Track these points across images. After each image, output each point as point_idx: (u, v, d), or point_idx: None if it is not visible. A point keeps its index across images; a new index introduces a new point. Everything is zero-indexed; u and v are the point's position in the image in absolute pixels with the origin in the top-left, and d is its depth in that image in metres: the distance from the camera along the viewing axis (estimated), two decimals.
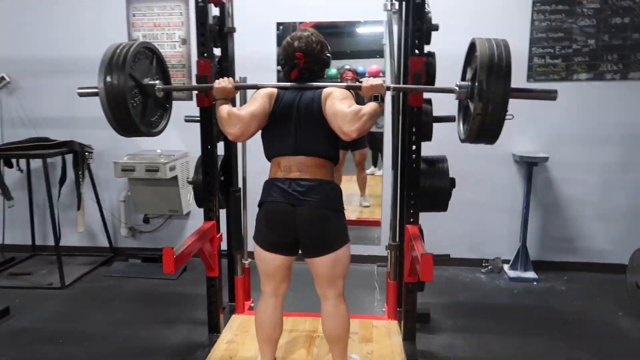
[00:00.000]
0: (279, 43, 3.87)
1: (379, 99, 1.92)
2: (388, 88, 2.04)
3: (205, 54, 2.45)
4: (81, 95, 2.23)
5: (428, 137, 2.60)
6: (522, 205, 3.72)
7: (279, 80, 3.91)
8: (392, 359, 2.35)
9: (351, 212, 4.35)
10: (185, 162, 3.96)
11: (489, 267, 3.79)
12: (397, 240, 2.75)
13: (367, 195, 4.54)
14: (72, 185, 4.01)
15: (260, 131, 2.05)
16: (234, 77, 2.78)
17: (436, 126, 2.60)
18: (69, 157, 3.89)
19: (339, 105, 1.89)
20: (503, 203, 3.82)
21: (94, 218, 4.17)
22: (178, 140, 3.99)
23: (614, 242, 3.76)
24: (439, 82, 2.56)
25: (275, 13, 3.76)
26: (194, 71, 3.86)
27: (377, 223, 4.04)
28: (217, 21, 2.66)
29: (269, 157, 2.09)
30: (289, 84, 2.07)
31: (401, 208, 2.76)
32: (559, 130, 3.66)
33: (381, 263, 3.75)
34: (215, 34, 2.64)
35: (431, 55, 2.55)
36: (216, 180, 2.61)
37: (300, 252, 2.08)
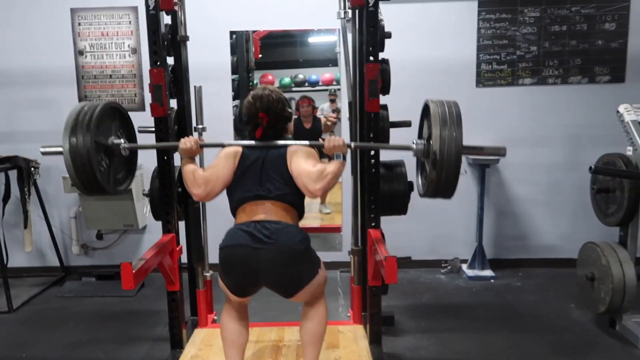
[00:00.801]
0: (232, 52, 3.85)
1: (341, 157, 2.02)
2: (349, 146, 2.12)
3: (158, 63, 2.39)
4: (45, 154, 2.22)
5: (385, 142, 2.64)
6: (476, 207, 3.84)
7: (234, 89, 3.90)
8: None
9: (312, 220, 4.34)
10: (140, 174, 3.83)
11: (448, 268, 3.88)
12: (360, 245, 2.77)
13: (327, 202, 4.56)
14: (17, 203, 3.82)
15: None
16: (188, 86, 2.73)
17: (392, 131, 2.65)
18: (13, 173, 3.69)
19: (304, 164, 1.97)
20: (459, 205, 3.91)
21: (42, 236, 3.97)
22: None
23: (562, 237, 3.94)
24: (393, 88, 2.61)
25: (229, 22, 3.74)
26: (146, 81, 3.79)
27: (337, 229, 4.07)
28: (169, 29, 2.60)
29: (234, 208, 2.07)
30: (254, 142, 2.10)
31: (362, 213, 2.79)
32: (509, 133, 3.81)
33: (344, 269, 3.76)
34: (167, 43, 2.58)
35: (385, 62, 2.60)
36: (174, 191, 2.54)
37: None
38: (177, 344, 2.59)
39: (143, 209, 3.85)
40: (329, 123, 5.19)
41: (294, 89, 6.05)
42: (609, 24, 3.67)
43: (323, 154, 2.15)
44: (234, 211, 2.08)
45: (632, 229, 2.81)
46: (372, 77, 2.38)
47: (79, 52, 3.77)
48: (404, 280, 3.70)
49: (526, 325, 2.99)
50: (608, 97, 3.58)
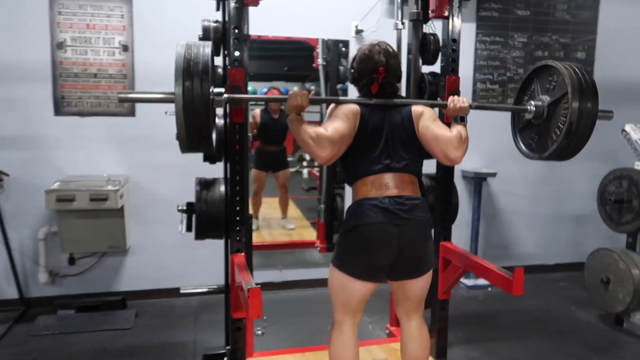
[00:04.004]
0: None
1: (464, 119, 1.95)
2: (471, 107, 2.03)
3: (237, 63, 2.13)
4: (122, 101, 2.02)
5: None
6: (471, 218, 4.01)
7: None
8: None
9: (280, 236, 4.22)
10: (127, 188, 3.36)
11: None
12: None
13: (288, 217, 4.40)
14: None
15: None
16: (246, 85, 2.48)
17: None
18: None
19: (437, 128, 1.87)
20: None
21: None
22: (113, 162, 3.40)
23: (538, 246, 4.29)
24: None
25: None
26: (138, 82, 3.37)
27: (311, 244, 4.09)
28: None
29: (354, 178, 1.91)
30: (372, 100, 1.91)
31: None
32: (497, 148, 4.05)
33: None
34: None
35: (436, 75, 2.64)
36: (246, 201, 2.27)
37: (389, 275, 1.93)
38: None
39: (129, 229, 3.38)
40: None
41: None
42: (580, 52, 4.12)
43: None
44: (353, 180, 1.91)
45: None
46: (454, 90, 2.39)
47: (57, 45, 3.22)
48: None
49: (547, 330, 3.17)
50: None
